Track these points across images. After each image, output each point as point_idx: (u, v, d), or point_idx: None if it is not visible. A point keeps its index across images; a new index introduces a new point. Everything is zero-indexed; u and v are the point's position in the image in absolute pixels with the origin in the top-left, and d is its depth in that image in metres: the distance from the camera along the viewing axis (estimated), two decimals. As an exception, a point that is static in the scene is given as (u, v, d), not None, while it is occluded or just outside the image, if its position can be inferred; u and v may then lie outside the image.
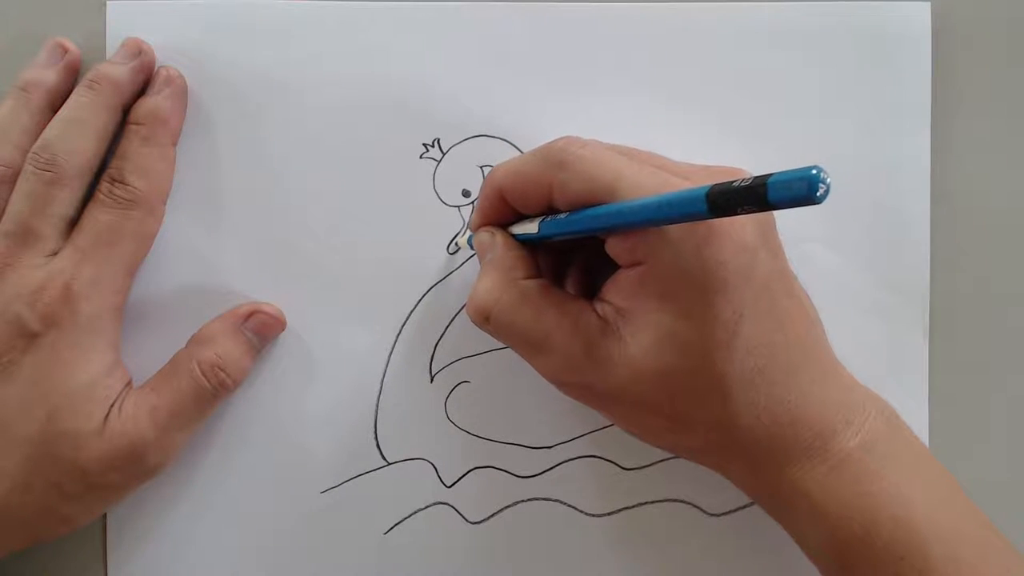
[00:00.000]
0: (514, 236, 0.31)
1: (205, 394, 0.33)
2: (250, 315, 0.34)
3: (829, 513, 0.28)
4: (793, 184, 0.20)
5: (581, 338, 0.28)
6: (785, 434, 0.28)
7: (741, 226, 0.26)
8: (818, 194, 0.19)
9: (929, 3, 0.35)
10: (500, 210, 0.31)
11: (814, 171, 0.19)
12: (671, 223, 0.25)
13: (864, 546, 0.27)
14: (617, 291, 0.28)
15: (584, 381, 0.28)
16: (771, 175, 0.20)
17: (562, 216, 0.28)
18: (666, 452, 0.35)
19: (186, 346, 0.34)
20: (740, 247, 0.26)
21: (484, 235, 0.31)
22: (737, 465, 0.29)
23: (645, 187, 0.26)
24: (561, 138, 0.28)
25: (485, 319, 0.29)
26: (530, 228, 0.30)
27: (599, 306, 0.29)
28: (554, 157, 0.28)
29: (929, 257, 0.35)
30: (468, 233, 0.34)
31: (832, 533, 0.28)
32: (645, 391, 0.27)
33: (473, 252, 0.33)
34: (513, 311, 0.29)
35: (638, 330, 0.27)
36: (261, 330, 0.34)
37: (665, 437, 0.30)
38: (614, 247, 0.28)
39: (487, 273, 0.30)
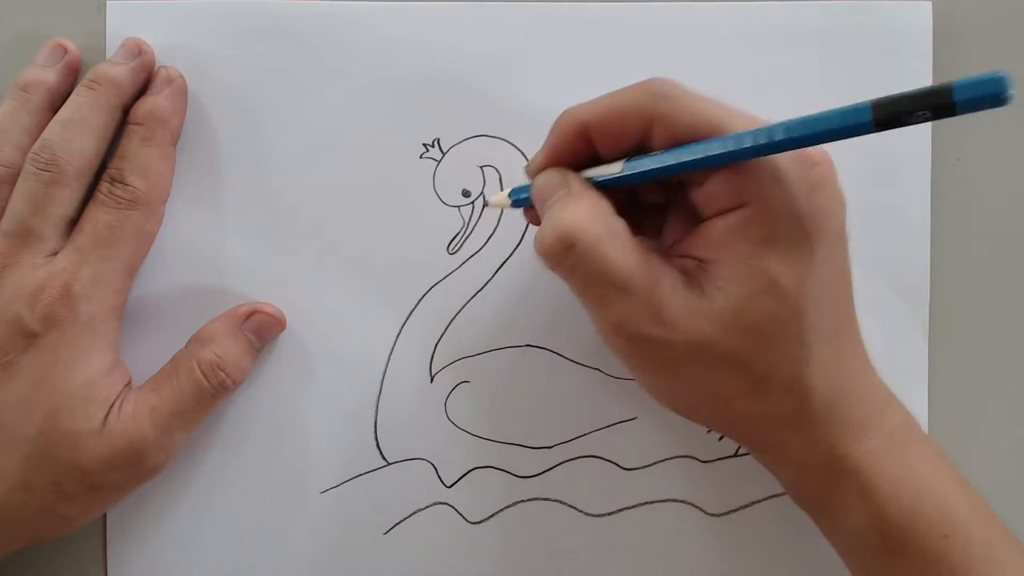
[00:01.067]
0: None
1: (205, 394, 0.33)
2: (250, 315, 0.34)
3: (880, 489, 0.27)
4: (983, 84, 0.20)
5: (667, 285, 0.26)
6: (846, 402, 0.27)
7: (839, 183, 0.26)
8: (1007, 94, 0.20)
9: (930, 3, 0.35)
10: (575, 150, 0.28)
11: (1002, 73, 0.20)
12: (824, 141, 0.24)
13: (911, 524, 0.27)
14: (703, 242, 0.27)
15: (659, 334, 0.26)
16: (952, 81, 0.21)
17: (658, 153, 0.27)
18: (670, 452, 0.35)
19: (186, 346, 0.34)
20: (841, 202, 0.26)
21: (553, 175, 0.28)
22: (795, 438, 0.28)
23: (752, 125, 0.25)
24: (655, 77, 0.27)
25: (568, 248, 0.26)
26: (611, 170, 0.28)
27: (677, 262, 0.27)
28: (656, 90, 0.27)
29: (929, 257, 0.35)
30: (507, 189, 0.32)
31: (881, 510, 0.27)
32: (731, 346, 0.26)
33: (502, 210, 0.31)
34: (603, 242, 0.26)
35: (731, 280, 0.26)
36: (261, 330, 0.34)
37: (731, 405, 0.28)
38: (714, 188, 0.26)
39: (570, 203, 0.27)
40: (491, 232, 0.35)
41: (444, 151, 0.35)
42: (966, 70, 0.36)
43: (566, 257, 0.26)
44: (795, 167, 0.26)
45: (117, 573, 0.35)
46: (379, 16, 0.35)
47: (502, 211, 0.35)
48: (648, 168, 0.27)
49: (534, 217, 0.31)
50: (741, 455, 0.35)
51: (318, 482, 0.35)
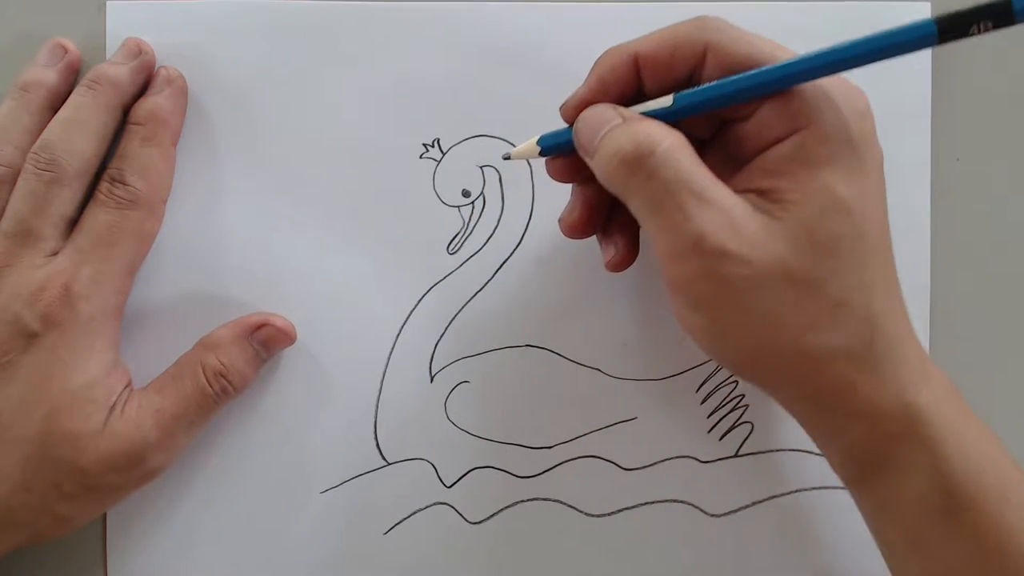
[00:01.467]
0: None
1: (208, 398, 0.33)
2: (259, 326, 0.34)
3: (946, 442, 0.26)
4: None
5: (741, 205, 0.26)
6: (906, 346, 0.27)
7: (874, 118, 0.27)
8: None
9: (929, 3, 0.35)
10: (621, 84, 0.28)
11: None
12: (888, 56, 0.25)
13: (974, 483, 0.26)
14: (759, 174, 0.27)
15: (741, 251, 0.25)
16: None
17: (713, 83, 0.27)
18: (670, 452, 0.35)
19: (193, 349, 0.34)
20: (878, 141, 0.27)
21: (603, 107, 0.28)
22: (866, 379, 0.27)
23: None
24: (706, 15, 0.28)
25: (647, 155, 0.26)
26: (661, 103, 0.28)
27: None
28: (709, 23, 0.27)
29: (929, 257, 0.36)
30: (535, 137, 0.31)
31: (946, 466, 0.26)
32: (807, 266, 0.26)
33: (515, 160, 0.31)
34: (680, 152, 0.26)
35: (798, 202, 0.26)
36: (269, 342, 0.34)
37: (803, 339, 0.26)
38: (766, 117, 0.27)
39: (638, 122, 0.27)
40: (491, 232, 0.35)
41: (444, 151, 0.35)
42: (965, 70, 0.36)
43: (644, 164, 0.26)
44: (843, 93, 0.26)
45: (117, 573, 0.35)
46: (379, 16, 0.35)
47: (502, 209, 0.35)
48: (703, 98, 0.27)
49: (557, 170, 0.31)
50: (741, 455, 0.35)
51: (318, 482, 0.35)
